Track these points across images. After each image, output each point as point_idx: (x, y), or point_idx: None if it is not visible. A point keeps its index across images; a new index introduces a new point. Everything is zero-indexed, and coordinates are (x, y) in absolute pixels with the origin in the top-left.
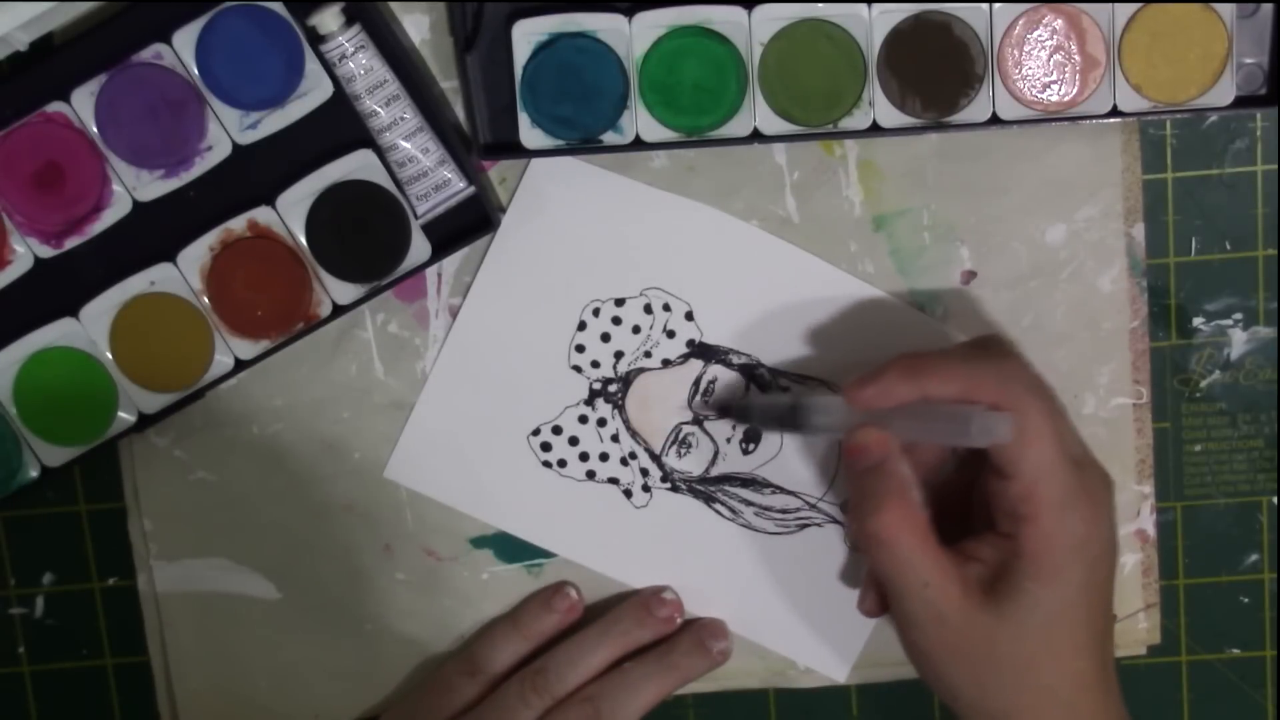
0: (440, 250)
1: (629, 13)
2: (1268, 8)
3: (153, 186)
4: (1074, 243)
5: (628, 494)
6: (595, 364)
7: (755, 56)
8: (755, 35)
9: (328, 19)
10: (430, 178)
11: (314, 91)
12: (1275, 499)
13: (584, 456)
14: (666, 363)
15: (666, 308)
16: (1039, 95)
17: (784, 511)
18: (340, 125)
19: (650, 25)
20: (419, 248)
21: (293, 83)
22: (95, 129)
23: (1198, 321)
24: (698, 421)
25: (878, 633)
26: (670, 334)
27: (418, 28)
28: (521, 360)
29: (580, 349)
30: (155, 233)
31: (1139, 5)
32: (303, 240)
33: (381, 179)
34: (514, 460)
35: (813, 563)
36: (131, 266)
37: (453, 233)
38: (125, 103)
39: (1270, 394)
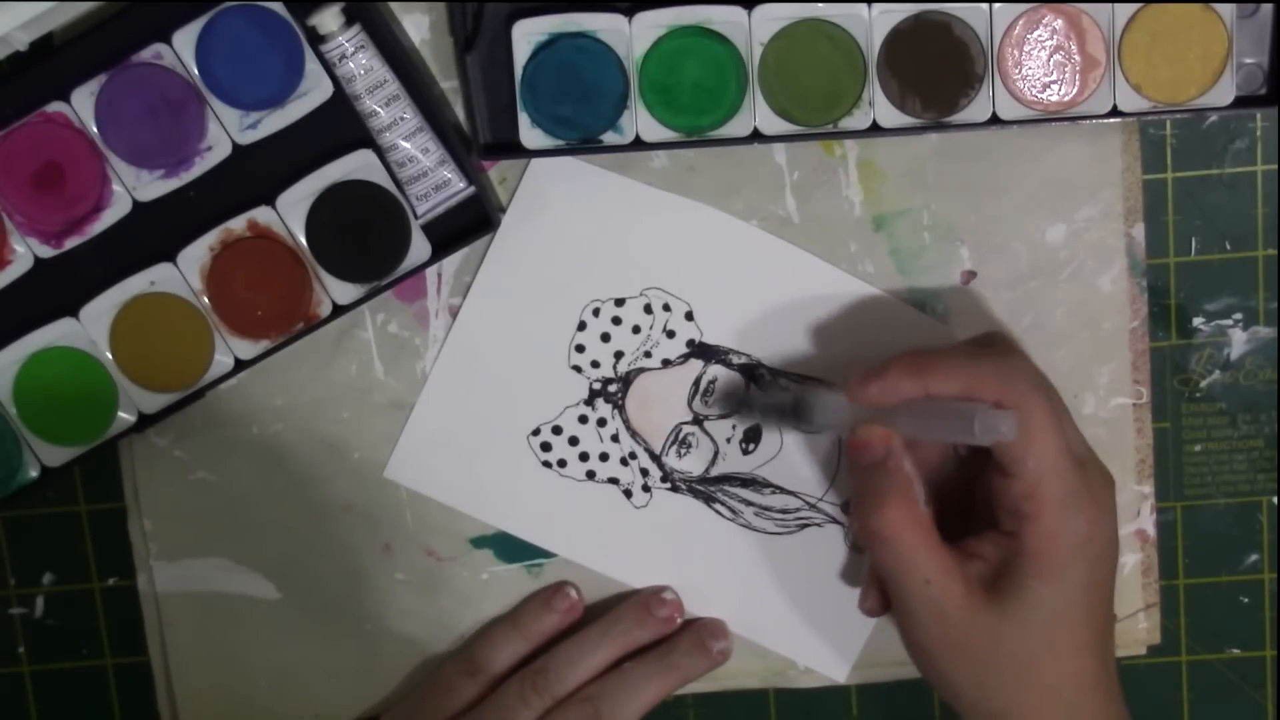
0: (440, 250)
1: (629, 13)
2: (1268, 8)
3: (153, 186)
4: (1074, 243)
5: (628, 494)
6: (595, 364)
7: (755, 56)
8: (755, 35)
9: (328, 19)
10: (430, 178)
11: (314, 91)
12: (1275, 499)
13: (584, 456)
14: (666, 363)
15: (666, 308)
16: (1039, 95)
17: (784, 511)
18: (340, 125)
19: (650, 25)
20: (419, 248)
21: (293, 83)
22: (95, 129)
23: (1198, 321)
24: (698, 421)
25: (878, 633)
26: (670, 334)
27: (418, 28)
28: (521, 360)
29: (580, 349)
30: (155, 233)
31: (1139, 5)
32: (303, 240)
33: (381, 179)
34: (514, 460)
35: (813, 563)
36: (131, 266)
37: (453, 233)
38: (125, 103)
39: (1270, 394)
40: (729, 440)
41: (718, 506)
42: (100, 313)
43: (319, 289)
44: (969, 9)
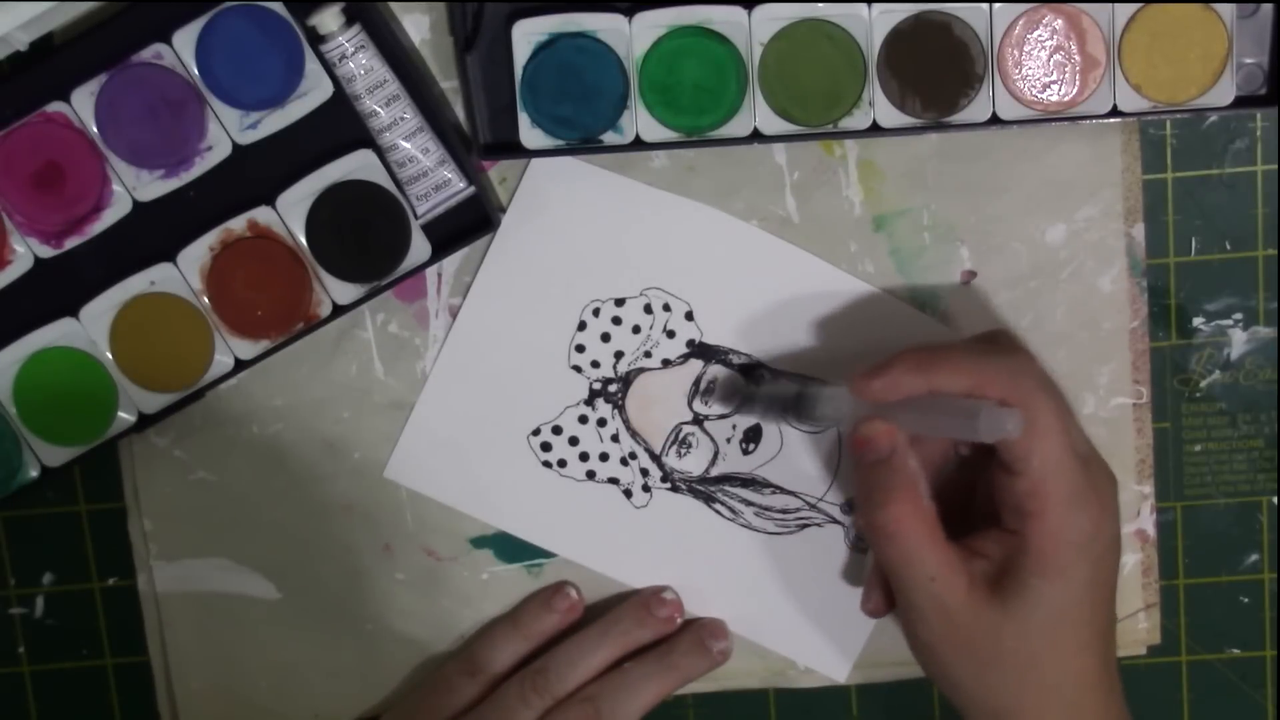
0: (440, 250)
1: (629, 13)
2: (1268, 8)
3: (153, 186)
4: (1074, 243)
5: (628, 494)
6: (595, 364)
7: (755, 56)
8: (755, 35)
9: (328, 19)
10: (430, 178)
11: (314, 91)
12: (1275, 499)
13: (584, 456)
14: (666, 363)
15: (666, 308)
16: (1039, 95)
17: (784, 511)
18: (340, 125)
19: (650, 25)
20: (419, 248)
21: (293, 83)
22: (95, 129)
23: (1198, 321)
24: (698, 421)
25: (878, 633)
26: (670, 334)
27: (418, 28)
28: (521, 360)
29: (580, 349)
30: (155, 233)
31: (1139, 5)
32: (303, 240)
33: (381, 179)
34: (514, 460)
35: (813, 563)
36: (131, 266)
37: (453, 233)
38: (125, 103)
39: (1270, 394)
40: (729, 440)
41: (718, 506)
42: (100, 313)
43: (319, 289)
44: (969, 9)
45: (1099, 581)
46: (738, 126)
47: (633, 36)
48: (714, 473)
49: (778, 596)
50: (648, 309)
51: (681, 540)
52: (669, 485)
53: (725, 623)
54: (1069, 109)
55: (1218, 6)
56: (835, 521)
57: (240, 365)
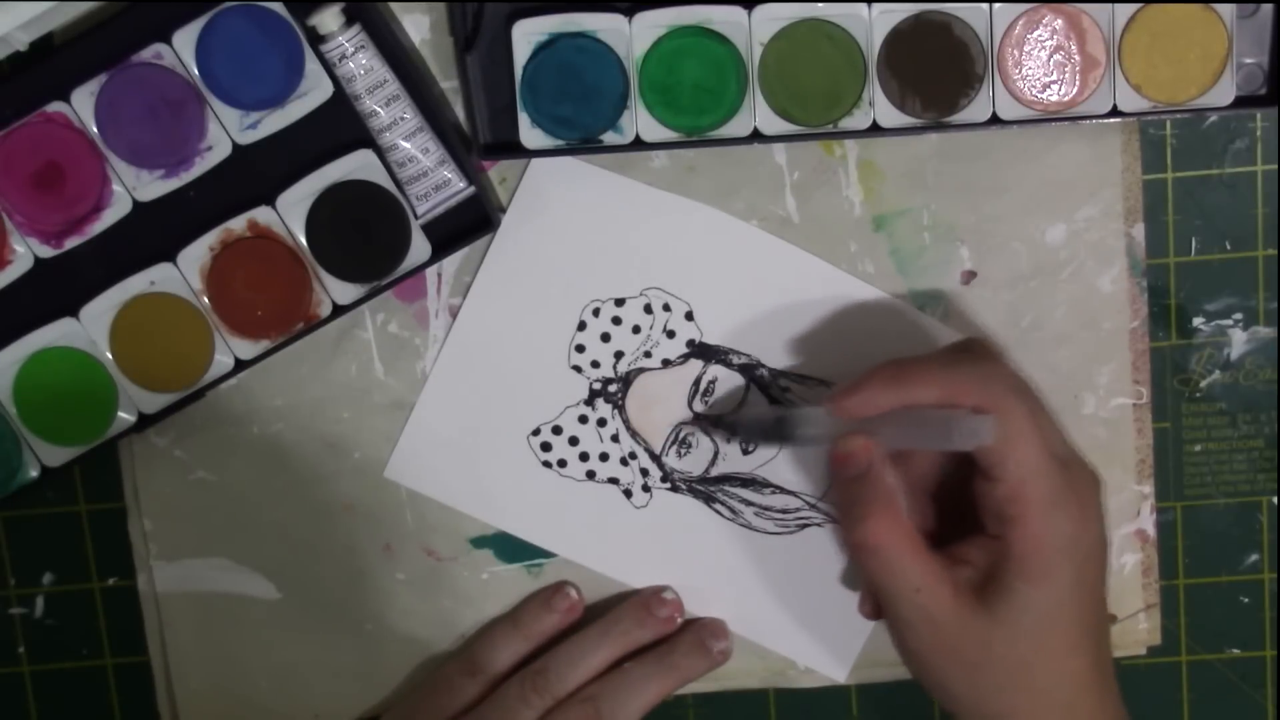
0: (440, 250)
1: (629, 13)
2: (1268, 8)
3: (153, 186)
4: (1074, 243)
5: (628, 494)
6: (595, 364)
7: (755, 56)
8: (755, 35)
9: (328, 19)
10: (430, 178)
11: (314, 91)
12: (1275, 499)
13: (584, 456)
14: (666, 363)
15: (666, 308)
16: (1039, 95)
17: (784, 511)
18: (340, 125)
19: (650, 25)
20: (419, 248)
21: (293, 83)
22: (95, 129)
23: (1198, 321)
24: (698, 421)
25: (878, 633)
26: (670, 334)
27: (418, 28)
28: (521, 360)
29: (580, 349)
30: (155, 233)
31: (1139, 5)
32: (303, 240)
33: (381, 179)
34: (514, 460)
35: (813, 563)
36: (131, 266)
37: (453, 233)
38: (125, 103)
39: (1270, 394)
40: (729, 440)
41: (718, 506)
42: (100, 313)
43: (319, 289)
44: (969, 9)
45: (1085, 582)
46: (738, 126)
47: (633, 36)
48: (714, 473)
49: (777, 596)
50: (648, 309)
51: (681, 540)
52: (669, 485)
53: (725, 623)
54: (1069, 109)
55: (1218, 6)
56: (835, 521)
57: (240, 365)
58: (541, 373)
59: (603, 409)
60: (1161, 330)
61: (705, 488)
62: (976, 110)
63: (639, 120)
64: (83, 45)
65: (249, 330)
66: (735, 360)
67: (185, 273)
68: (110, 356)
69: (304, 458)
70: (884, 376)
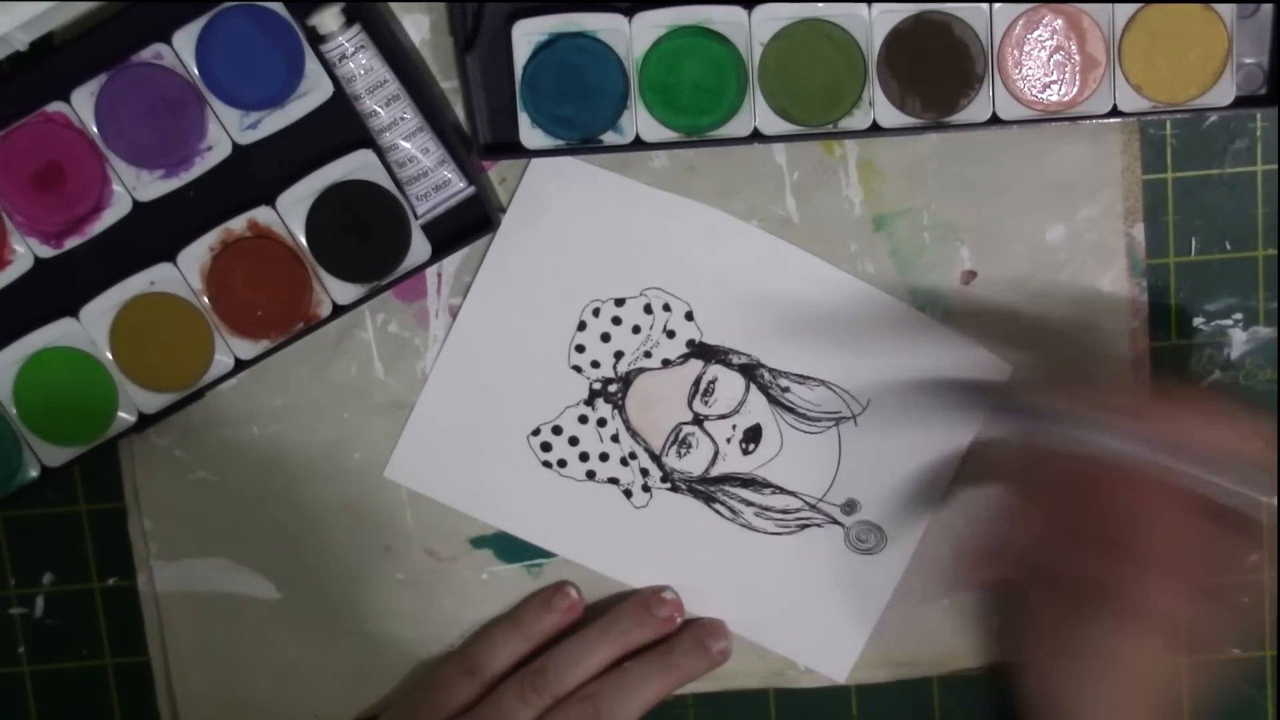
0: (440, 250)
1: (629, 13)
2: (1268, 8)
3: (153, 186)
4: (1074, 243)
5: (628, 494)
6: (595, 364)
7: (755, 56)
8: (755, 35)
9: (328, 19)
10: (430, 178)
11: (314, 91)
12: (1275, 499)
13: (584, 456)
14: (666, 363)
15: (666, 308)
16: (1039, 95)
17: (784, 512)
18: (340, 125)
19: (650, 25)
20: (419, 248)
21: (293, 83)
22: (95, 129)
23: (1198, 321)
24: (698, 421)
25: (878, 633)
26: (670, 334)
27: (418, 28)
28: (521, 360)
29: (580, 349)
30: (155, 233)
31: (1139, 5)
32: (303, 240)
33: (381, 179)
34: (514, 460)
35: (813, 563)
36: (131, 266)
37: (453, 233)
38: (125, 103)
39: (1270, 394)
40: (729, 440)
41: (718, 506)
42: (100, 313)
43: (319, 289)
44: (969, 9)
45: None
46: (738, 126)
47: (633, 36)
48: (714, 473)
49: (778, 597)
50: (648, 309)
51: (681, 540)
52: (669, 485)
53: (724, 623)
54: (1069, 109)
55: (1218, 6)
56: (835, 522)
57: (240, 365)
58: (541, 373)
59: (603, 409)
60: (1161, 330)
61: (705, 488)
62: (976, 110)
63: (639, 120)
64: (83, 45)
65: (249, 330)
66: (735, 360)
67: (185, 273)
68: (110, 356)
69: (304, 458)
70: (1210, 409)
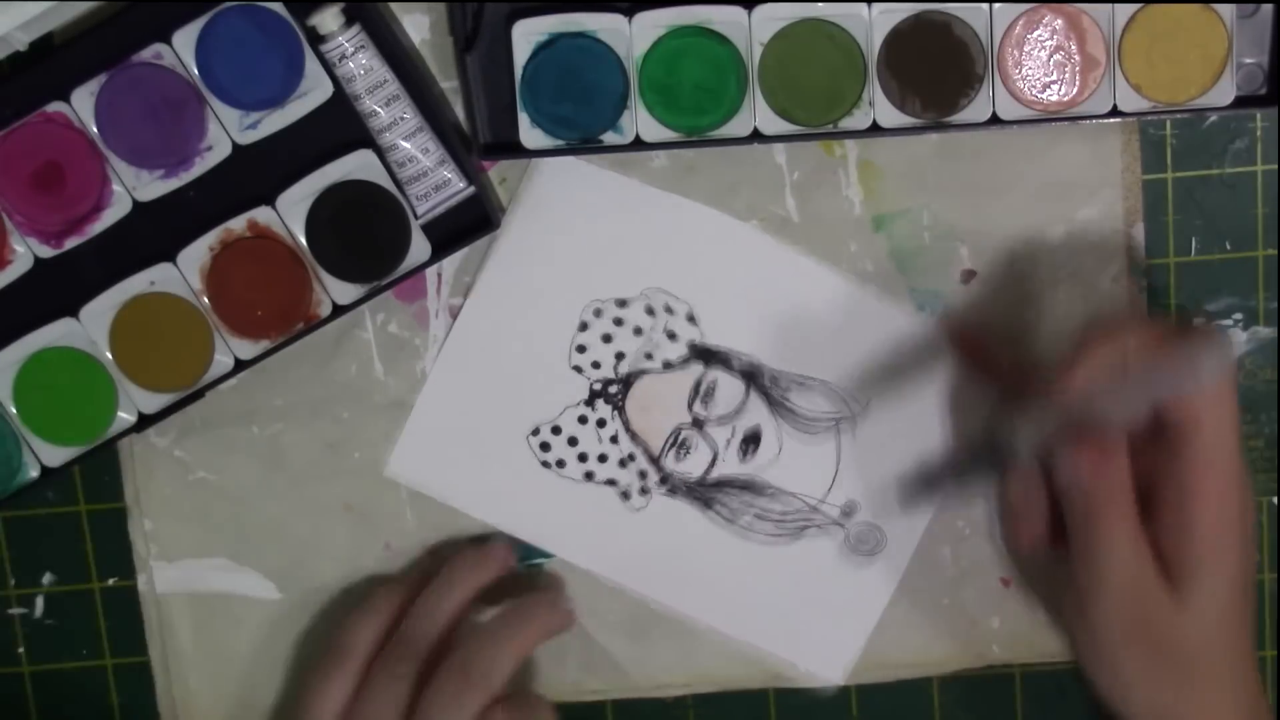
0: (440, 250)
1: (629, 13)
2: (1268, 8)
3: (153, 186)
4: (1074, 243)
5: (625, 496)
6: (596, 364)
7: (755, 56)
8: (755, 35)
9: (328, 19)
10: (430, 178)
11: (314, 91)
12: (1275, 499)
13: (583, 457)
14: (667, 365)
15: (668, 309)
16: (1039, 95)
17: (783, 514)
18: (340, 125)
19: (650, 25)
20: (419, 248)
21: (293, 83)
22: (95, 129)
23: (1198, 321)
24: (697, 424)
25: (877, 634)
26: (671, 335)
27: (418, 28)
28: (522, 360)
29: (581, 349)
30: (155, 233)
31: (1139, 5)
32: (303, 240)
33: (381, 179)
34: (513, 460)
35: (811, 565)
36: (131, 266)
37: (453, 233)
38: (125, 103)
39: (1270, 394)
40: (728, 444)
41: (717, 509)
42: (100, 313)
43: (319, 289)
44: (969, 9)
45: (1251, 576)
46: (738, 126)
47: (633, 36)
48: (712, 476)
49: (776, 599)
50: (649, 310)
51: (679, 543)
52: (667, 488)
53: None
54: (1069, 109)
55: (1218, 6)
56: (835, 523)
57: (240, 365)
58: (542, 372)
59: (602, 410)
60: None
61: (703, 491)
62: (976, 110)
63: (639, 120)
64: (83, 45)
65: (249, 330)
66: (736, 364)
67: (185, 273)
68: (110, 356)
69: (304, 458)
70: (1097, 339)
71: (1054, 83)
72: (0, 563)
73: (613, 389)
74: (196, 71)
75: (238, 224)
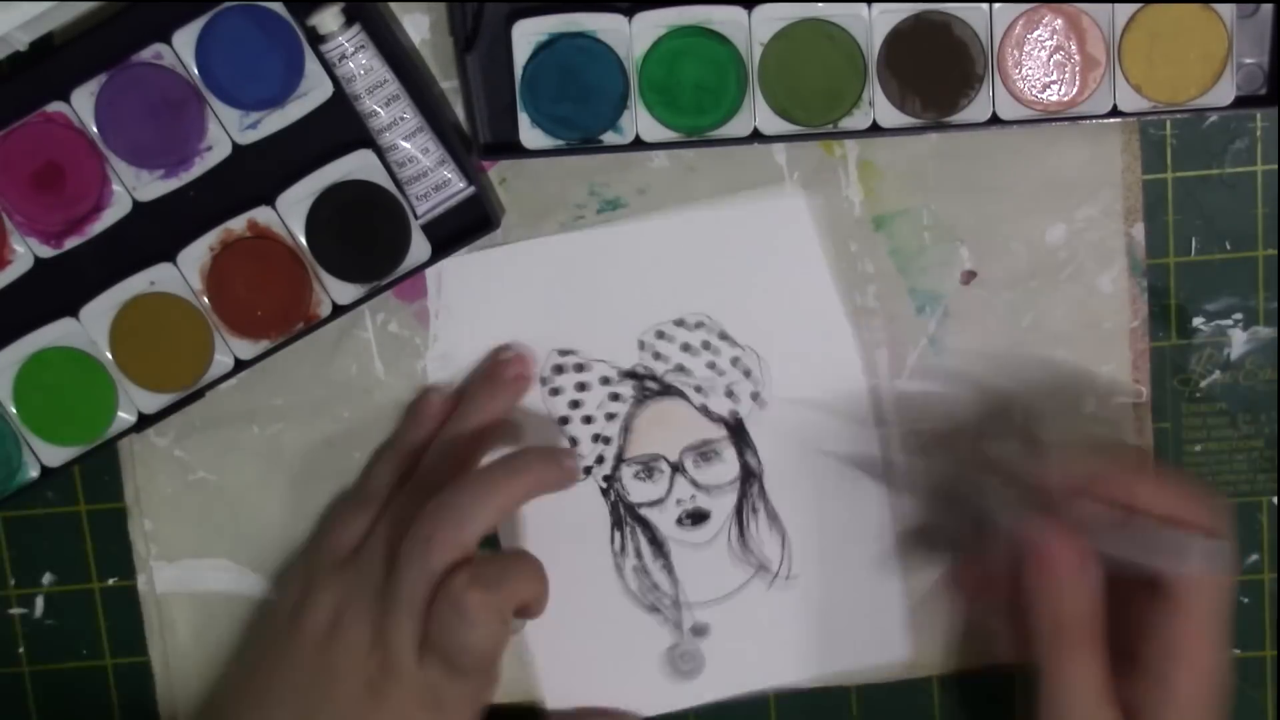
0: (440, 250)
1: (629, 13)
2: (1268, 8)
3: (153, 186)
4: (1074, 243)
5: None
6: (659, 356)
7: (755, 56)
8: (755, 35)
9: (328, 19)
10: (430, 178)
11: (314, 91)
12: (1275, 499)
13: (575, 404)
14: (705, 410)
15: (741, 365)
16: (1039, 95)
17: (653, 586)
18: (340, 125)
19: (650, 25)
20: (419, 248)
21: (293, 83)
22: (95, 129)
23: (1198, 321)
24: (676, 467)
25: (878, 634)
26: (730, 393)
27: (418, 28)
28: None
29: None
30: (155, 233)
31: (1139, 5)
32: (303, 240)
33: (381, 179)
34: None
35: (624, 633)
36: (131, 266)
37: (453, 233)
38: (125, 103)
39: (1270, 394)
40: (678, 502)
41: (622, 532)
42: (100, 313)
43: (319, 289)
44: (969, 9)
45: None
46: (738, 126)
47: (633, 36)
48: (644, 512)
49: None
50: (723, 336)
51: (570, 527)
52: (606, 485)
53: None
54: (1069, 109)
55: (1218, 6)
56: (677, 627)
57: (240, 365)
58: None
59: (625, 391)
60: (1161, 330)
61: (625, 513)
62: (976, 110)
63: (639, 120)
64: (83, 45)
65: (249, 330)
66: (749, 457)
67: (185, 273)
68: (110, 356)
69: (304, 458)
70: (1101, 476)
71: (1054, 83)
72: (0, 563)
73: (650, 384)
74: (196, 71)
75: (238, 224)
